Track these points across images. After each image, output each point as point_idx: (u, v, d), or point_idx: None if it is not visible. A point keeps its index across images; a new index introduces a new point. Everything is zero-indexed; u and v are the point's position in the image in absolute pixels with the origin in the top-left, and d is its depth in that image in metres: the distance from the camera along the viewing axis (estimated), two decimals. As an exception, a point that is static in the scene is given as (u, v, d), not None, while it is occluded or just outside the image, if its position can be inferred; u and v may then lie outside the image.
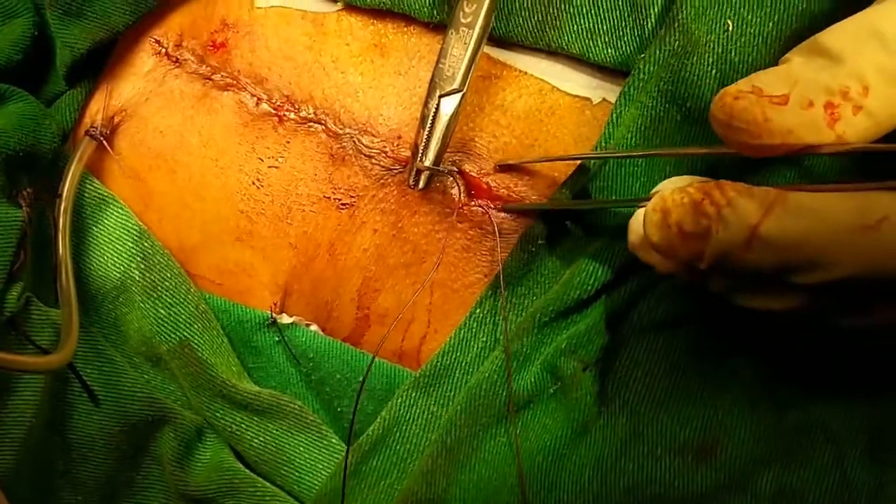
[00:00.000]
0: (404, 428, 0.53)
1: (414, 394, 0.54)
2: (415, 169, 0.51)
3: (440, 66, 0.50)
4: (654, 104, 0.49)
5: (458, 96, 0.49)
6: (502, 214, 0.53)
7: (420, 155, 0.51)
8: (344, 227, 0.55)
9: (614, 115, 0.50)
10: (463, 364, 0.53)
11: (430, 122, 0.50)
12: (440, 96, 0.49)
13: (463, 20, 0.48)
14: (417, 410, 0.54)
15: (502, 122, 0.53)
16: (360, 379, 0.55)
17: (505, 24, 0.52)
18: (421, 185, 0.52)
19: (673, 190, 0.40)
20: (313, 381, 0.57)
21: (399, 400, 0.53)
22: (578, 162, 0.51)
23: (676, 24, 0.48)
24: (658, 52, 0.49)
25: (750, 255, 0.37)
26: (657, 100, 0.49)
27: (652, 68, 0.49)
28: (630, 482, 0.49)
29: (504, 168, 0.53)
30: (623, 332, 0.51)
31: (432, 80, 0.50)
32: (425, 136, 0.50)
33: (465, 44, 0.48)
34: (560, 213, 0.52)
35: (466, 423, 0.51)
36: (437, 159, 0.51)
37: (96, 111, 0.58)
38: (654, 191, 0.42)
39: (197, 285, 0.58)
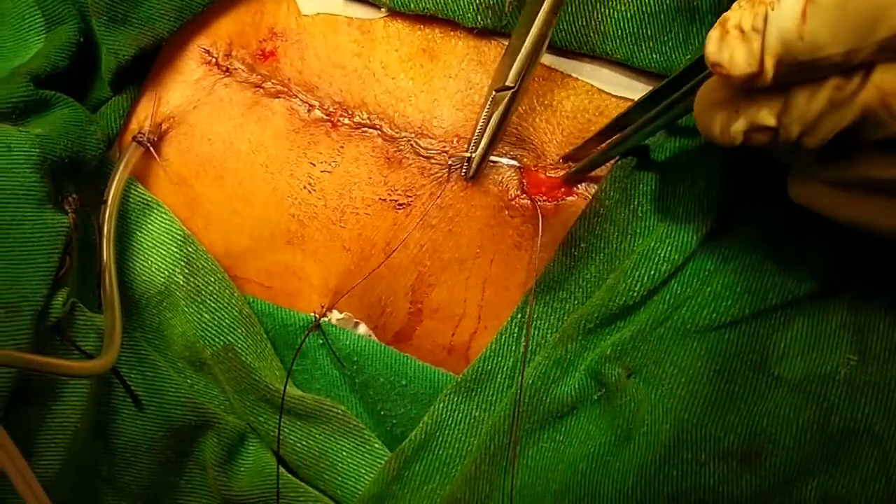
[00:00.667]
0: (447, 433, 0.54)
1: (456, 398, 0.54)
2: (467, 158, 0.52)
3: (501, 63, 0.50)
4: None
5: (509, 93, 0.49)
6: (550, 206, 0.53)
7: (471, 146, 0.52)
8: (400, 225, 0.55)
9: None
10: (505, 369, 0.53)
11: (483, 115, 0.51)
12: (495, 90, 0.50)
13: (525, 21, 0.48)
14: (460, 415, 0.54)
15: (552, 121, 0.54)
16: (404, 382, 0.55)
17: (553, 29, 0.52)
18: (471, 174, 0.53)
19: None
20: (357, 385, 0.57)
21: (441, 405, 0.54)
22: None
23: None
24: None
25: (807, 33, 0.33)
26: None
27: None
28: (674, 489, 0.48)
29: (567, 158, 0.53)
30: (666, 336, 0.51)
31: (494, 76, 0.51)
32: (478, 130, 0.51)
33: (522, 43, 0.48)
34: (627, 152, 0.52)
35: (510, 429, 0.51)
36: (488, 152, 0.51)
37: (143, 118, 0.59)
38: None
39: (244, 289, 0.58)
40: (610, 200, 0.52)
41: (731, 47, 0.36)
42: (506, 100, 0.50)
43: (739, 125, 0.38)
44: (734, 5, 0.37)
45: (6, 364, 0.45)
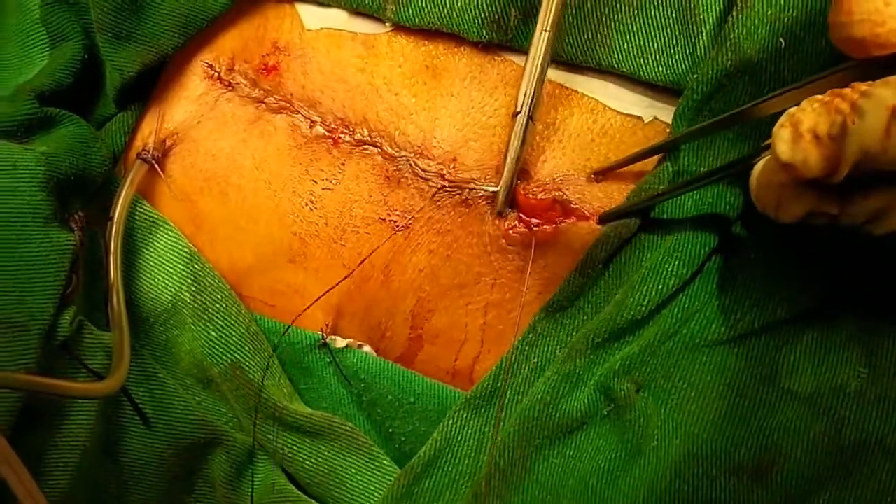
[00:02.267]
0: (456, 449, 0.53)
1: (465, 414, 0.53)
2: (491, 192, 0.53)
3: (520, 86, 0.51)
4: (711, 127, 0.48)
5: (523, 117, 0.50)
6: (549, 229, 0.53)
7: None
8: (399, 248, 0.54)
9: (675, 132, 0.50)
10: (514, 385, 0.53)
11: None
12: (513, 114, 0.50)
13: (535, 42, 0.48)
14: (469, 431, 0.53)
15: (554, 140, 0.53)
16: (412, 400, 0.54)
17: (555, 41, 0.52)
18: (499, 207, 0.53)
19: (801, 102, 0.38)
20: (364, 403, 0.56)
21: (450, 421, 0.53)
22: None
23: (728, 44, 0.48)
24: (710, 71, 0.49)
25: (892, 147, 0.34)
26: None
27: (705, 88, 0.49)
28: (685, 504, 0.48)
29: (597, 177, 0.53)
30: (675, 350, 0.51)
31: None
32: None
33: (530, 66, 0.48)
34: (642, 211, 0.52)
35: (519, 445, 0.51)
36: (513, 183, 0.52)
37: (147, 134, 0.58)
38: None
39: (248, 307, 0.58)
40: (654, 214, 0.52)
41: (805, 151, 0.37)
42: (517, 125, 0.50)
43: (799, 209, 0.40)
44: (805, 105, 0.37)
45: (14, 387, 0.45)
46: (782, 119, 0.39)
